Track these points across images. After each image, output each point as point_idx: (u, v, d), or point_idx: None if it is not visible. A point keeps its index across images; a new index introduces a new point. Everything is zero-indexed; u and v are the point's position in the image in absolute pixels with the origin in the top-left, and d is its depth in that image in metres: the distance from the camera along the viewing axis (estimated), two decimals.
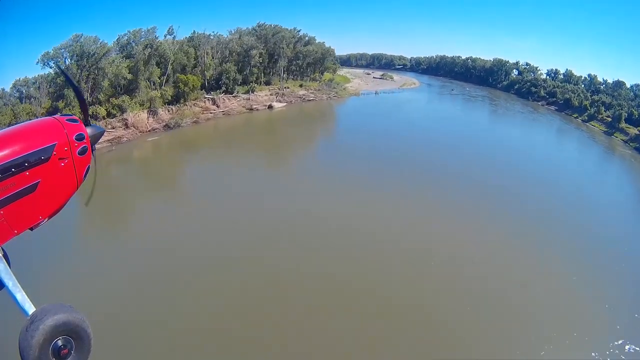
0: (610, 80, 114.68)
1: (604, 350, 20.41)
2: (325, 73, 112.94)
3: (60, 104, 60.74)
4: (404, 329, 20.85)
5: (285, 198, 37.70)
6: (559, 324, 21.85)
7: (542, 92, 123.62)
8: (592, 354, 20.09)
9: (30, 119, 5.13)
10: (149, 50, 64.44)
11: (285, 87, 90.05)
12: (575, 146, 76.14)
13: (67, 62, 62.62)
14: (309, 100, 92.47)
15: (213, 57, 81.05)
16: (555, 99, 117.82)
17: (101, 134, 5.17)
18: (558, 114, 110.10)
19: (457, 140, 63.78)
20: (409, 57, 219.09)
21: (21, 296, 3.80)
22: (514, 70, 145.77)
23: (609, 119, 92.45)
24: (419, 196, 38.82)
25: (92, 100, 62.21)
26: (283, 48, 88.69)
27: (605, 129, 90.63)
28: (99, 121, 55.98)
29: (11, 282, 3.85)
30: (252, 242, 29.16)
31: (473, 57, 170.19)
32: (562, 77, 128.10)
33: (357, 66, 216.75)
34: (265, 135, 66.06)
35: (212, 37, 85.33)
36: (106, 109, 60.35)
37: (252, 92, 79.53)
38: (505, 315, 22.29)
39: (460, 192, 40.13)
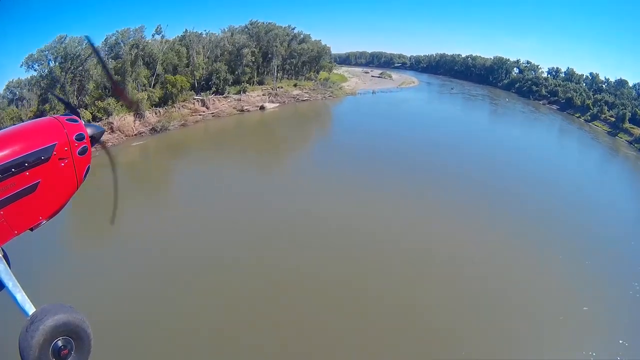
0: (612, 79, 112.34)
1: (605, 350, 20.54)
2: (321, 72, 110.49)
3: (47, 107, 59.01)
4: (404, 329, 20.97)
5: (274, 201, 37.29)
6: (559, 324, 21.90)
7: (544, 91, 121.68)
8: (592, 353, 20.13)
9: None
10: (136, 50, 62.29)
11: (278, 87, 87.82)
12: (578, 147, 74.95)
13: (51, 65, 60.81)
14: (303, 100, 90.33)
15: (205, 57, 79.01)
16: (556, 98, 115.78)
17: (101, 133, 5.17)
18: (560, 114, 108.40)
19: (456, 141, 62.70)
20: (408, 55, 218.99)
21: (21, 296, 3.79)
22: (515, 69, 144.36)
23: (613, 119, 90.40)
24: (414, 197, 38.53)
25: (77, 103, 60.36)
26: (276, 46, 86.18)
27: (609, 130, 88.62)
28: None
29: (11, 283, 3.85)
30: (252, 242, 29.28)
31: (473, 55, 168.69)
32: (563, 75, 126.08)
33: (357, 65, 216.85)
34: (254, 138, 64.27)
35: (204, 36, 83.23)
36: (91, 112, 58.51)
37: (244, 92, 77.35)
38: (505, 315, 22.37)
39: (460, 192, 39.87)
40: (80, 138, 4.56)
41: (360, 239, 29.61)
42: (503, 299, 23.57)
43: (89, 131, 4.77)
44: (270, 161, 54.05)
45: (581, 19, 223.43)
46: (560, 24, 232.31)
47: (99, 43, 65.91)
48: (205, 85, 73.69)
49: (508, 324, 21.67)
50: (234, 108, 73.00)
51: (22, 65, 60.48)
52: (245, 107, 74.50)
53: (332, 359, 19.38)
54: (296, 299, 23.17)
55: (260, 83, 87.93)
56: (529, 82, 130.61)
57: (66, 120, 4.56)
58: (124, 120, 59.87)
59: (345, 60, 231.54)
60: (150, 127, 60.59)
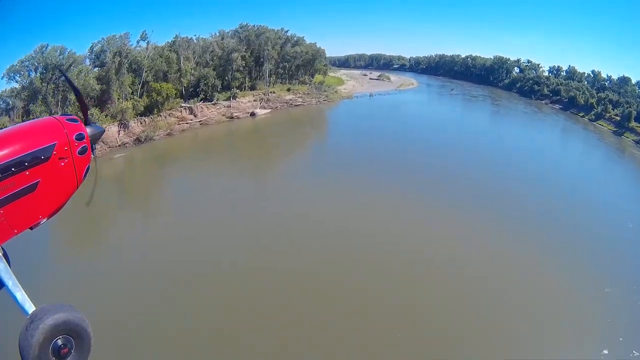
0: (614, 77, 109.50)
1: (605, 350, 20.43)
2: (316, 75, 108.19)
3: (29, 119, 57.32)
4: (404, 329, 21.11)
5: (267, 206, 36.99)
6: (559, 324, 21.95)
7: (545, 90, 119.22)
8: (593, 353, 20.19)
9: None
10: (119, 58, 60.37)
11: (271, 92, 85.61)
12: (582, 148, 73.21)
13: (31, 75, 59.12)
14: (297, 105, 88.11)
15: (197, 63, 76.94)
16: (559, 97, 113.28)
17: (101, 133, 5.20)
18: (563, 113, 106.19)
19: (456, 144, 61.11)
20: (408, 57, 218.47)
21: (21, 295, 3.81)
22: (515, 68, 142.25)
23: (618, 118, 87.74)
24: (410, 201, 37.80)
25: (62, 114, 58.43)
26: (268, 50, 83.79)
27: (614, 129, 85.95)
28: None
29: (11, 282, 3.87)
30: (249, 245, 29.57)
31: (473, 55, 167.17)
32: (564, 74, 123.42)
33: (356, 67, 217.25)
34: (242, 146, 62.53)
35: (194, 41, 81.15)
36: None
37: (234, 98, 75.08)
38: (505, 315, 22.46)
39: (460, 194, 39.67)
40: (80, 138, 4.58)
41: (358, 241, 29.75)
42: (503, 299, 23.62)
43: (89, 131, 4.79)
44: (260, 168, 52.53)
45: (581, 15, 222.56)
46: (559, 21, 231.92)
47: (84, 51, 64.70)
48: (193, 92, 71.60)
49: (508, 324, 21.70)
50: (223, 115, 70.78)
51: (3, 77, 59.04)
52: (235, 114, 72.25)
53: (332, 358, 19.54)
54: (296, 300, 23.35)
55: (252, 88, 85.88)
56: (531, 81, 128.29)
57: (66, 120, 4.60)
58: (108, 130, 57.83)
59: (344, 63, 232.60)
60: (135, 137, 58.37)
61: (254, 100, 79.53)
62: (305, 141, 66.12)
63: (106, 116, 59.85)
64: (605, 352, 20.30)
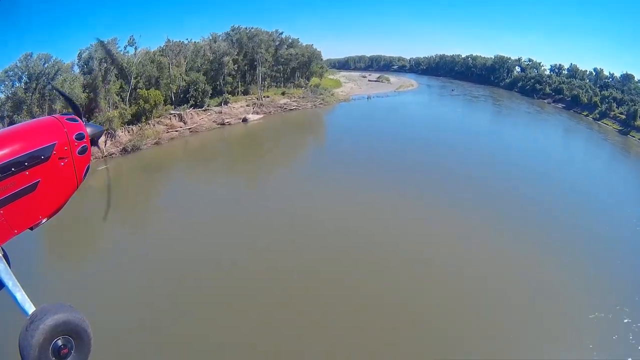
0: (617, 74, 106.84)
1: (605, 350, 20.50)
2: (313, 78, 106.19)
3: None
4: (404, 329, 21.26)
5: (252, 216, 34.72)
6: (559, 324, 22.06)
7: (548, 89, 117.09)
8: (594, 353, 20.16)
9: None
10: (105, 64, 58.76)
11: (265, 96, 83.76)
12: (586, 148, 71.58)
13: (15, 85, 57.76)
14: (291, 109, 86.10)
15: (190, 67, 75.22)
16: (562, 96, 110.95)
17: (101, 133, 5.25)
18: (566, 112, 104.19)
19: (456, 145, 59.48)
20: (408, 58, 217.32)
21: (21, 296, 3.82)
22: (517, 67, 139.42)
23: (623, 116, 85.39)
24: (407, 206, 36.23)
25: None
26: (261, 53, 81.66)
27: (620, 128, 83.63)
28: None
29: (11, 282, 3.88)
30: (249, 246, 29.68)
31: (473, 55, 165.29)
32: (566, 72, 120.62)
33: (356, 69, 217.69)
34: (229, 156, 60.49)
35: (187, 45, 79.41)
36: None
37: (226, 103, 73.16)
38: (505, 315, 22.50)
39: (462, 197, 38.81)
40: (80, 137, 4.56)
41: (358, 240, 29.88)
42: (503, 299, 23.69)
43: (89, 131, 4.76)
44: (252, 174, 51.11)
45: (581, 13, 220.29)
46: (560, 19, 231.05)
47: (73, 58, 63.56)
48: (184, 98, 69.74)
49: (508, 324, 21.77)
50: (214, 122, 68.97)
51: None
52: (227, 120, 70.41)
53: (332, 358, 19.60)
54: (296, 299, 23.51)
55: (246, 93, 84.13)
56: (532, 80, 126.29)
57: (66, 119, 4.57)
58: None
59: (344, 65, 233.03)
60: (122, 147, 56.63)
61: (247, 105, 77.69)
62: (293, 150, 64.03)
63: None
64: (606, 352, 20.37)
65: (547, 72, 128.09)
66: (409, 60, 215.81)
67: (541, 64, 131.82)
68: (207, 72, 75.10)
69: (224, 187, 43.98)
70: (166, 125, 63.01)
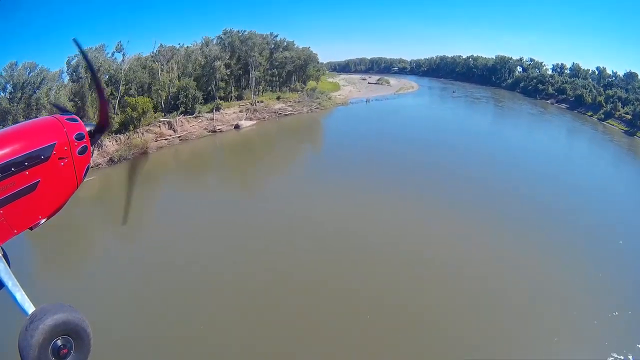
0: (620, 73, 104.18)
1: (605, 350, 20.40)
2: (310, 81, 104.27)
3: None
4: (403, 329, 21.30)
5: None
6: (560, 325, 21.99)
7: (550, 89, 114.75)
8: (594, 354, 20.14)
9: None
10: (90, 72, 57.24)
11: (259, 102, 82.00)
12: (591, 150, 69.31)
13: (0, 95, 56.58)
14: (287, 114, 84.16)
15: (182, 72, 73.66)
16: (565, 96, 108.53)
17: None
18: (570, 113, 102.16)
19: (456, 149, 58.05)
20: (409, 59, 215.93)
21: (21, 296, 3.84)
22: (518, 67, 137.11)
23: (629, 117, 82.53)
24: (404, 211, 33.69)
25: None
26: (254, 56, 79.73)
27: (626, 128, 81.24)
28: None
29: (11, 282, 3.89)
30: (248, 246, 29.87)
31: (474, 56, 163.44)
32: (568, 72, 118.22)
33: (356, 72, 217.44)
34: (220, 163, 58.04)
35: (179, 49, 77.87)
36: None
37: (217, 110, 71.35)
38: (505, 316, 22.51)
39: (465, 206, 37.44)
40: (80, 137, 4.57)
41: (358, 242, 30.04)
42: (503, 299, 23.80)
43: (89, 131, 4.79)
44: (243, 183, 49.58)
45: (580, 12, 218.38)
46: (559, 18, 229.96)
47: (61, 66, 62.42)
48: (175, 105, 68.04)
49: (508, 324, 21.86)
50: (205, 129, 67.20)
51: None
52: (218, 127, 68.61)
53: (332, 358, 19.67)
54: (296, 300, 23.62)
55: (240, 98, 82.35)
56: (534, 80, 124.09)
57: (66, 119, 4.60)
58: None
59: (345, 67, 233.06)
60: (109, 158, 54.94)
61: (240, 111, 75.96)
62: (291, 153, 62.57)
63: None
64: (606, 352, 20.43)
65: (549, 72, 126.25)
66: (410, 62, 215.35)
67: (543, 64, 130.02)
68: (199, 77, 73.58)
69: (216, 193, 43.79)
70: (155, 134, 61.34)
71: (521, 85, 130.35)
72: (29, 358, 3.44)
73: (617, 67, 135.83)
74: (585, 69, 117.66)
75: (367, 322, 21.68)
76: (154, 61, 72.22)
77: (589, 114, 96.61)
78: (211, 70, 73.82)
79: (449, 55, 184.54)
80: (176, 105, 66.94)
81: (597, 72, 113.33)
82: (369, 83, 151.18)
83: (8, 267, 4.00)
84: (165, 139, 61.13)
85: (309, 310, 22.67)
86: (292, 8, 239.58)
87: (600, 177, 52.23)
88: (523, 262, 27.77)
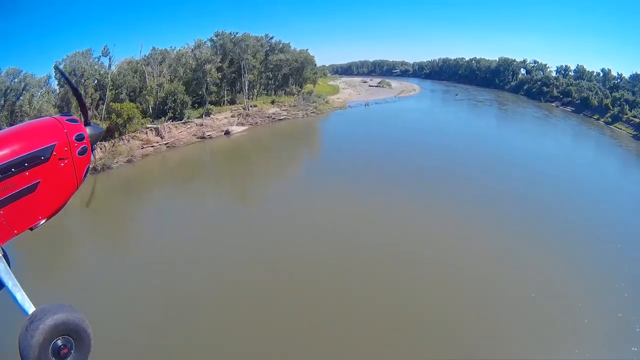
0: (625, 75, 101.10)
1: (606, 350, 20.40)
2: (307, 84, 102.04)
3: None
4: (403, 329, 21.39)
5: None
6: (560, 325, 21.95)
7: (555, 92, 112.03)
8: (594, 354, 20.04)
9: None
10: (74, 77, 55.72)
11: (252, 106, 79.90)
12: (598, 156, 66.45)
13: None
14: (281, 119, 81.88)
15: (174, 76, 71.87)
16: (570, 98, 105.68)
17: (101, 133, 5.38)
18: (576, 116, 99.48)
19: (457, 153, 56.62)
20: (411, 62, 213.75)
21: (21, 296, 3.83)
22: (522, 70, 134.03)
23: (637, 120, 79.07)
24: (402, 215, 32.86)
25: None
26: (247, 59, 77.58)
27: (634, 132, 78.09)
28: None
29: (11, 282, 3.88)
30: (248, 248, 29.97)
31: (477, 58, 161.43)
32: (573, 73, 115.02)
33: (359, 74, 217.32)
34: (209, 172, 56.02)
35: (170, 52, 76.05)
36: None
37: (208, 115, 69.33)
38: (505, 316, 22.57)
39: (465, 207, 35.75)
40: (80, 138, 4.58)
41: (357, 243, 30.12)
42: (503, 299, 23.90)
43: (89, 131, 4.81)
44: (236, 189, 47.71)
45: (583, 13, 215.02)
46: (562, 20, 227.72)
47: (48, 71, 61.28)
48: (164, 111, 66.13)
49: (508, 324, 21.97)
50: (193, 135, 65.30)
51: None
52: (208, 133, 66.63)
53: (332, 358, 19.69)
54: (296, 300, 23.66)
55: (233, 103, 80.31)
56: (539, 82, 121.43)
57: (66, 120, 4.60)
58: None
59: (347, 70, 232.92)
60: (92, 166, 52.87)
61: (232, 116, 73.99)
62: (284, 159, 60.10)
63: None
64: (607, 352, 20.44)
65: (554, 74, 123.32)
66: (412, 65, 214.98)
67: (547, 66, 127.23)
68: (189, 81, 71.75)
69: (206, 200, 43.29)
70: (142, 141, 59.46)
71: (525, 87, 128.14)
72: (29, 358, 3.44)
73: (619, 68, 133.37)
74: (590, 70, 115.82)
75: (367, 322, 21.86)
76: (146, 64, 70.70)
77: (596, 117, 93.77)
78: (202, 74, 71.93)
79: (452, 58, 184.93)
80: (165, 110, 65.07)
81: (602, 74, 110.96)
82: (369, 86, 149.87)
83: (8, 267, 4.00)
84: (152, 146, 59.22)
85: (309, 311, 22.85)
86: (293, 10, 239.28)
87: (607, 183, 49.85)
88: (523, 262, 27.99)
